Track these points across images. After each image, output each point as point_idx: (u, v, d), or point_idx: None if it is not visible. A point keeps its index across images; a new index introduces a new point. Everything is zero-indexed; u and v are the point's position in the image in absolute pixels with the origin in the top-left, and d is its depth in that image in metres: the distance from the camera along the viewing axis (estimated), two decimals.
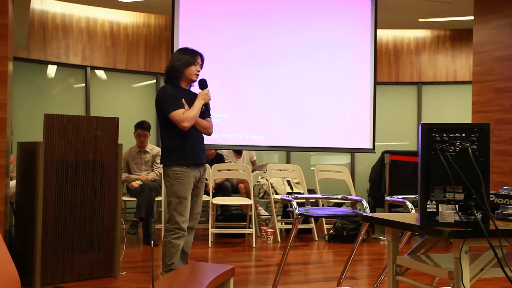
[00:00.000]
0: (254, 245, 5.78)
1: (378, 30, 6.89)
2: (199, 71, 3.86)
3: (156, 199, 5.89)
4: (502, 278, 2.11)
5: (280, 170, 6.73)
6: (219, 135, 5.94)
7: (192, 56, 3.82)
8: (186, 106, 3.75)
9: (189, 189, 3.77)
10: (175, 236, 3.71)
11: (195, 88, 3.96)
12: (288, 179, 6.83)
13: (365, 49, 6.70)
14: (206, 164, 5.97)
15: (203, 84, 3.90)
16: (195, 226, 3.97)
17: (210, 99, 3.89)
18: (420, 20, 7.69)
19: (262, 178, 6.70)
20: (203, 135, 3.93)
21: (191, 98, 3.83)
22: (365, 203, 3.60)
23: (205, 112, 3.91)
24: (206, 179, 5.76)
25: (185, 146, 3.76)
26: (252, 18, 6.33)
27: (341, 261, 5.00)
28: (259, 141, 6.29)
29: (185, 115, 3.70)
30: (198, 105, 3.79)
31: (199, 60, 3.85)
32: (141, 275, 4.30)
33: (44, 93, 6.97)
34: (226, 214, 6.61)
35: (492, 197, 2.46)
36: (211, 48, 6.03)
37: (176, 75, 3.81)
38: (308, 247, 5.90)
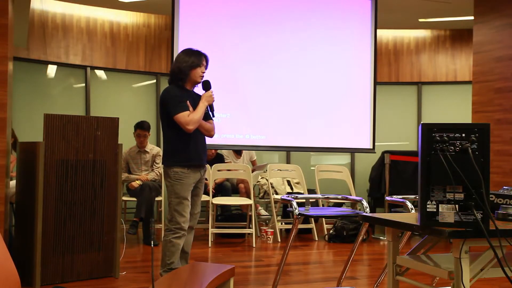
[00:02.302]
0: (254, 245, 5.78)
1: (378, 30, 6.89)
2: (204, 72, 3.85)
3: (156, 199, 5.89)
4: (502, 278, 2.11)
5: (280, 170, 6.73)
6: (219, 135, 5.93)
7: (198, 58, 3.82)
8: (191, 108, 3.75)
9: (189, 190, 3.77)
10: (176, 235, 3.71)
11: (198, 89, 3.95)
12: (288, 179, 6.83)
13: (365, 49, 6.70)
14: (206, 165, 6.00)
15: (207, 86, 3.89)
16: (195, 226, 3.97)
17: (213, 101, 3.88)
18: (420, 20, 7.69)
19: (262, 178, 6.70)
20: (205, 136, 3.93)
21: (196, 99, 3.83)
22: (365, 203, 3.60)
23: (207, 114, 3.89)
24: (206, 179, 5.76)
25: (188, 147, 3.76)
26: (252, 18, 6.33)
27: (341, 261, 5.00)
28: (259, 141, 6.29)
29: (190, 118, 3.70)
30: (202, 107, 3.79)
31: (204, 62, 3.85)
32: (141, 275, 4.30)
33: (44, 93, 6.97)
34: (226, 214, 6.62)
35: (492, 197, 2.46)
36: (211, 48, 5.99)
37: (181, 76, 3.80)
38: (308, 247, 5.90)
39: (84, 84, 7.19)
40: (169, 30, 7.38)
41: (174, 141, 3.79)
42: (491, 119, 5.60)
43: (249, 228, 6.08)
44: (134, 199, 5.78)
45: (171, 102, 3.74)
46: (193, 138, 3.78)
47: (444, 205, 2.10)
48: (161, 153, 5.81)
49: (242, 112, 6.24)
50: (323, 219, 6.54)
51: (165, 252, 3.73)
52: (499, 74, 5.64)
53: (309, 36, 6.49)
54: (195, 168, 3.80)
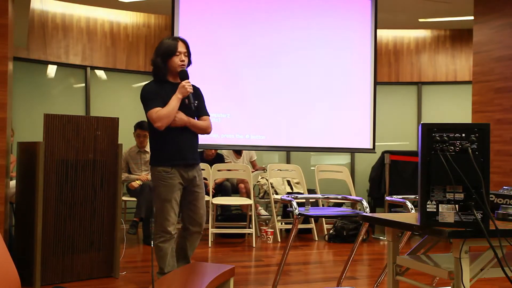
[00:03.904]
0: (254, 245, 5.78)
1: (378, 30, 6.88)
2: (183, 60, 3.57)
3: None
4: (502, 278, 2.11)
5: (280, 170, 6.73)
6: (219, 135, 5.94)
7: (172, 46, 3.54)
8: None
9: (172, 191, 3.55)
10: (161, 240, 3.58)
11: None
12: (288, 179, 6.83)
13: (365, 49, 6.70)
14: (206, 164, 6.00)
15: (182, 76, 3.57)
16: (201, 231, 3.76)
17: (189, 92, 3.52)
18: (420, 20, 7.69)
19: (262, 178, 6.70)
20: (198, 134, 3.70)
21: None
22: (365, 203, 3.60)
23: (201, 109, 3.67)
24: (206, 179, 5.76)
25: (168, 145, 3.56)
26: (252, 18, 6.33)
27: (341, 261, 5.00)
28: (259, 141, 6.29)
29: (157, 114, 3.48)
30: (174, 100, 3.50)
31: (180, 49, 3.56)
32: (141, 275, 4.30)
33: (44, 93, 6.97)
34: (226, 214, 6.62)
35: (492, 197, 2.46)
36: (211, 48, 6.03)
37: (157, 70, 3.59)
38: (308, 247, 5.89)
39: (84, 84, 7.19)
40: (169, 30, 7.38)
41: (155, 140, 3.62)
42: (491, 119, 5.60)
43: (249, 228, 6.08)
44: (134, 199, 5.78)
45: (143, 99, 3.60)
46: (175, 135, 3.55)
47: (444, 205, 2.10)
48: None
49: (242, 112, 6.23)
50: (323, 219, 6.53)
51: (156, 257, 3.65)
52: (499, 74, 5.64)
53: (309, 36, 6.49)
54: (180, 167, 3.57)
